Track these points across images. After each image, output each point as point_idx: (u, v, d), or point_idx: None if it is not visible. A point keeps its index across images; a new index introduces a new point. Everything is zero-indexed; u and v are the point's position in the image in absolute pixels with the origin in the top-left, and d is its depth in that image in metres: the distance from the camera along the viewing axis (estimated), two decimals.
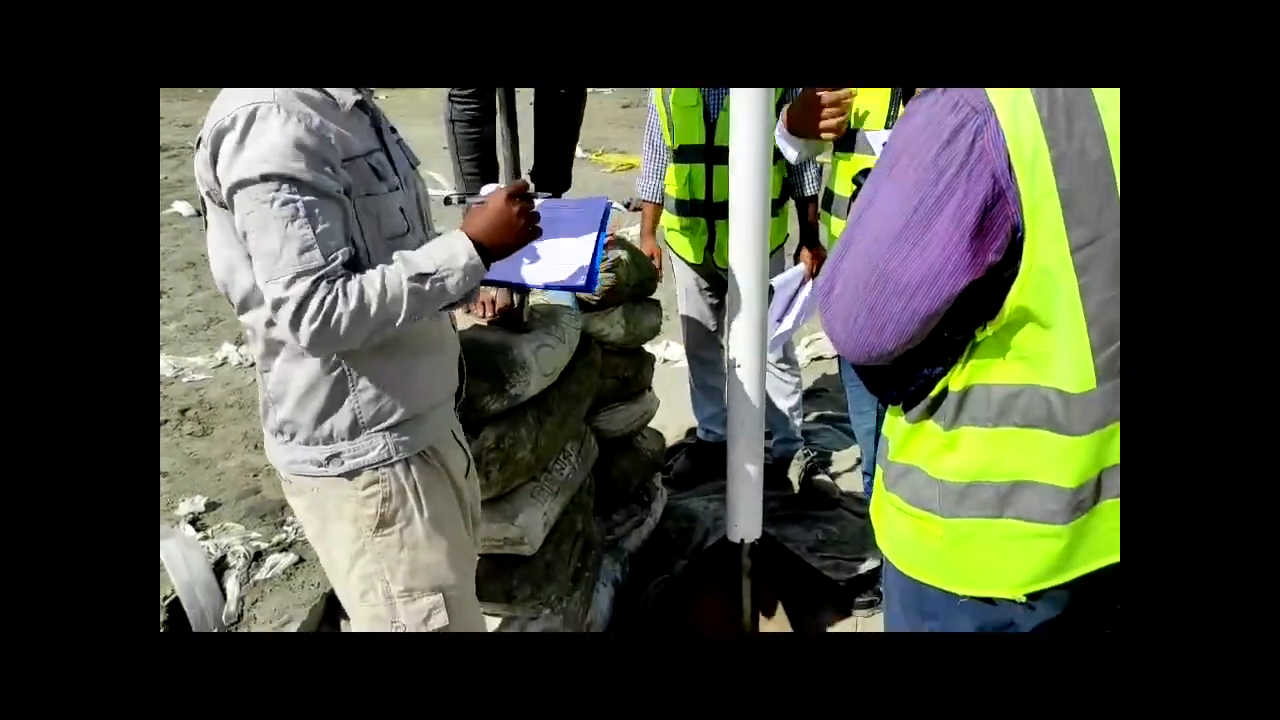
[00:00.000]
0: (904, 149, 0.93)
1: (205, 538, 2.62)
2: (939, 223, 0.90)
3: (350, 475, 1.31)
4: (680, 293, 2.88)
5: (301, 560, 2.60)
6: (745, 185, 1.76)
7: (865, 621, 2.27)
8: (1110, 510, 0.99)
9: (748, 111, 1.70)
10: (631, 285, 2.20)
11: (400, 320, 1.21)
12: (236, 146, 1.13)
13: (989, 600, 1.07)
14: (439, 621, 1.41)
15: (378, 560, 1.36)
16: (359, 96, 1.26)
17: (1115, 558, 0.99)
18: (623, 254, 2.20)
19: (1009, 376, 0.97)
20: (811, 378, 3.76)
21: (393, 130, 1.38)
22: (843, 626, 2.24)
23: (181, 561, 2.41)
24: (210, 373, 3.88)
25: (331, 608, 2.36)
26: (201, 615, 2.39)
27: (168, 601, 2.39)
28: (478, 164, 2.06)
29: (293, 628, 2.22)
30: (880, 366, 1.05)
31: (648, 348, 2.52)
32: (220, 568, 2.50)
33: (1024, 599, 1.04)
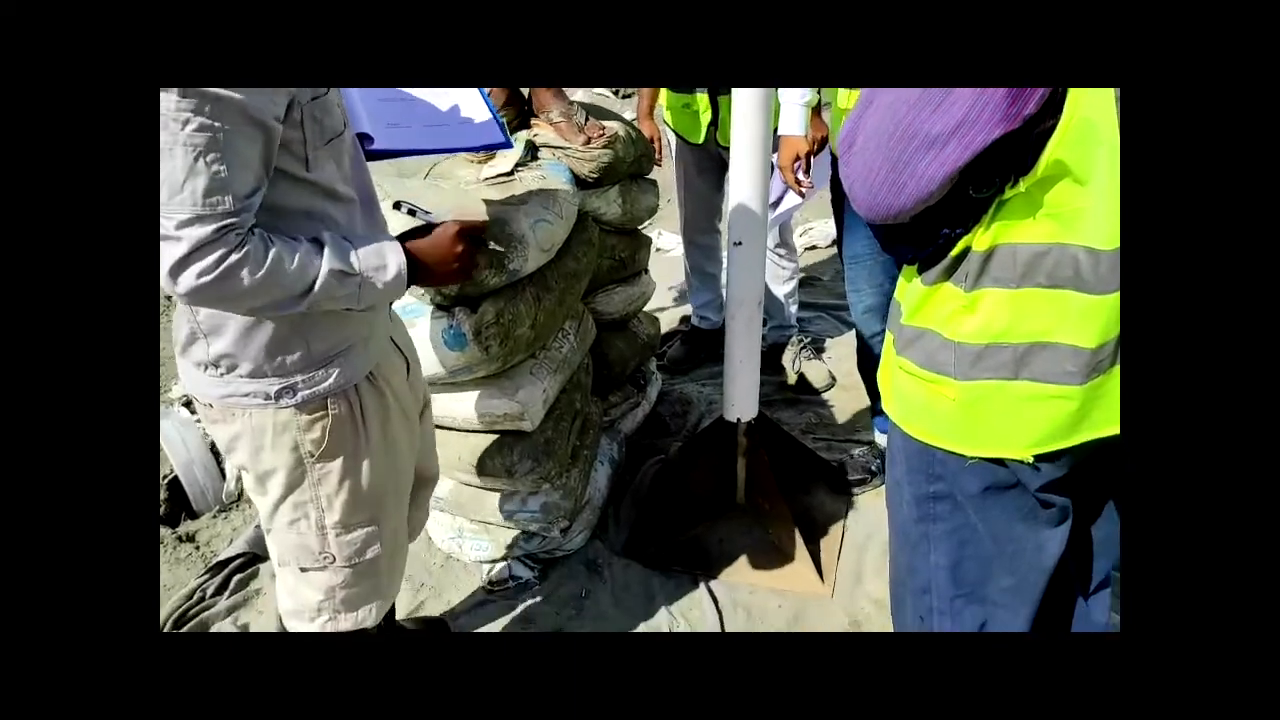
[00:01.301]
0: None
1: (199, 420, 2.61)
2: None
3: (300, 406, 1.23)
4: (678, 176, 2.81)
5: None
6: None
7: (858, 499, 2.32)
8: None
9: None
10: (629, 163, 2.14)
11: (295, 307, 1.12)
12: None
13: (998, 461, 1.08)
14: (373, 553, 1.37)
15: (315, 488, 1.29)
16: None
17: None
18: (620, 130, 2.13)
19: (1037, 235, 0.95)
20: (804, 265, 3.73)
21: None
22: (834, 505, 2.30)
23: (180, 441, 2.42)
24: None
25: None
26: (201, 494, 2.41)
27: (167, 480, 2.41)
28: None
29: None
30: (898, 225, 1.02)
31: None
32: (217, 449, 2.50)
33: (1031, 460, 1.06)
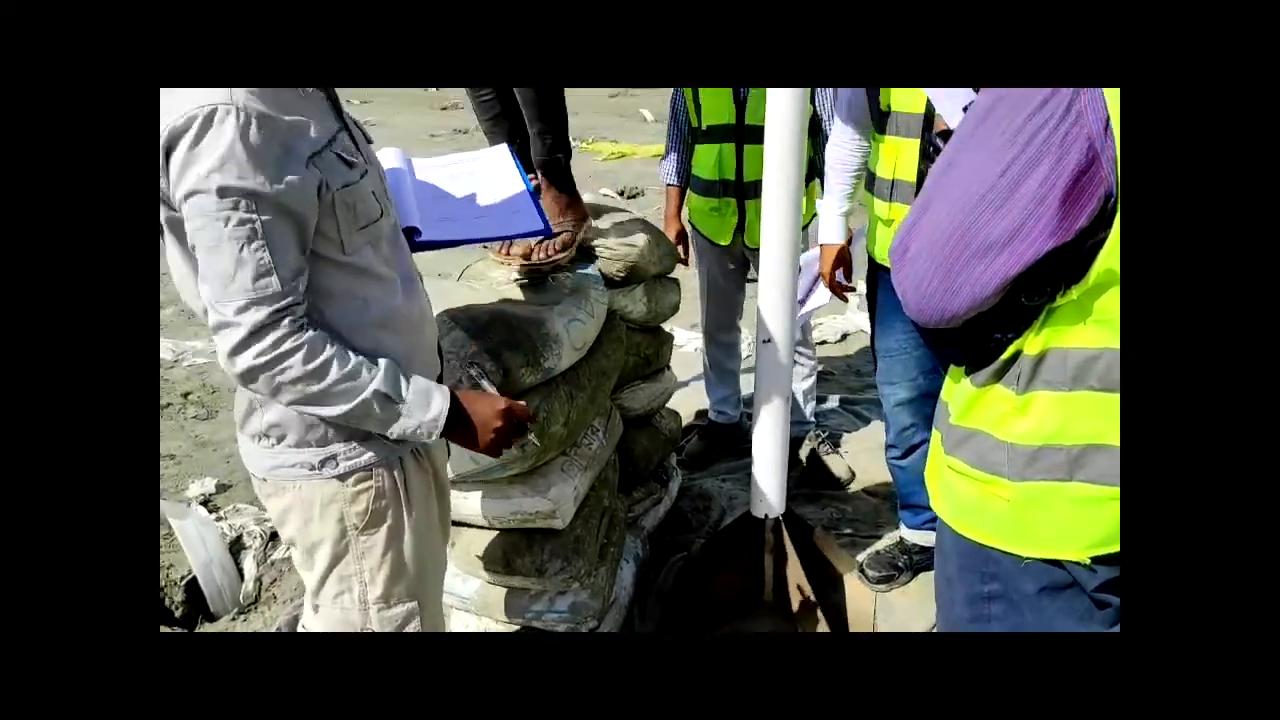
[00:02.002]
0: (990, 111, 0.91)
1: (219, 519, 2.60)
2: (1026, 185, 0.88)
3: (343, 477, 1.27)
4: (702, 275, 2.88)
5: None
6: (779, 162, 1.77)
7: (884, 597, 2.30)
8: None
9: (783, 90, 1.71)
10: (654, 262, 2.20)
11: (334, 410, 1.16)
12: (189, 153, 1.03)
13: (1055, 562, 1.08)
14: (412, 628, 1.38)
15: (359, 560, 1.32)
16: None
17: None
18: (644, 232, 2.20)
19: (1088, 340, 0.96)
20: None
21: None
22: (861, 602, 2.27)
23: (199, 541, 2.40)
24: (211, 356, 3.85)
25: None
26: (219, 594, 2.38)
27: (185, 581, 2.37)
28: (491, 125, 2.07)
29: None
30: (947, 329, 1.05)
31: None
32: (236, 548, 2.48)
33: (1089, 561, 1.06)
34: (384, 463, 1.29)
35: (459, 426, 1.27)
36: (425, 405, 1.22)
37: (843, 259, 2.29)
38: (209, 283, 1.08)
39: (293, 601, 2.30)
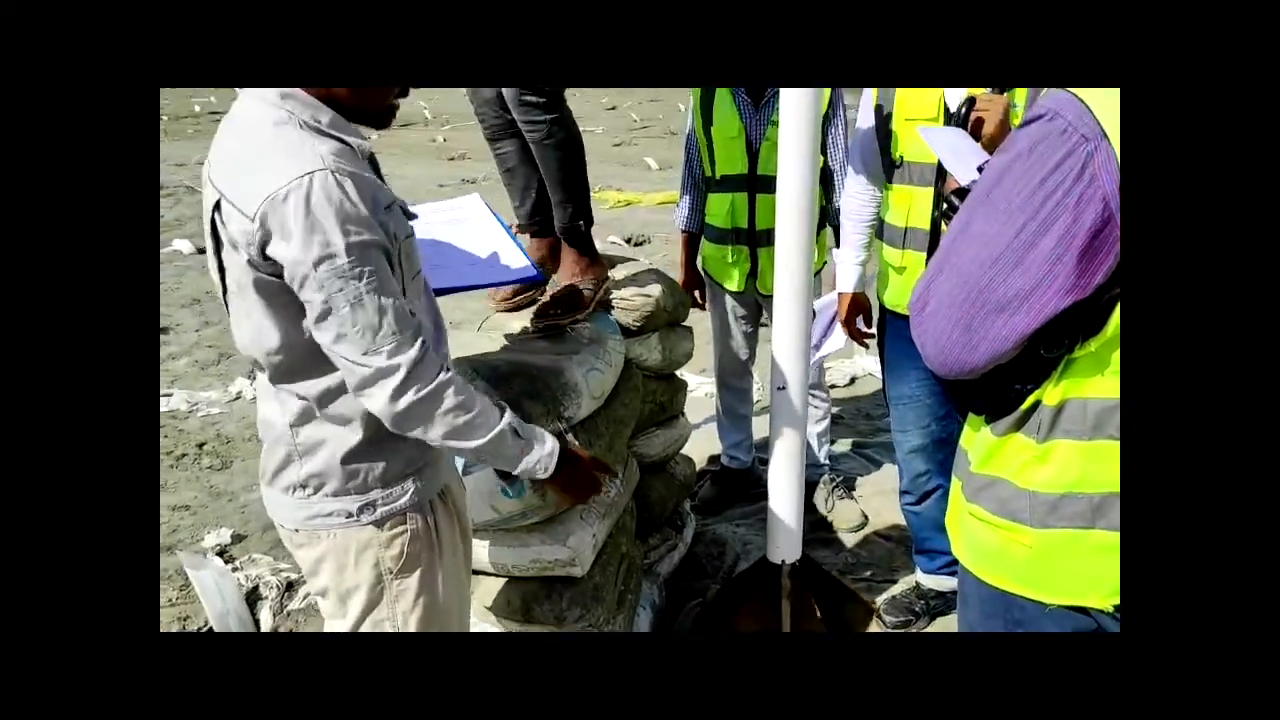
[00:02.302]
0: (1006, 172, 0.95)
1: (235, 569, 2.61)
2: (1043, 243, 0.91)
3: (379, 523, 1.31)
4: (715, 322, 2.92)
5: None
6: (791, 208, 1.81)
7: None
8: None
9: (795, 138, 1.76)
10: (669, 310, 2.24)
11: (473, 444, 1.25)
12: (306, 220, 1.08)
13: (1078, 608, 1.09)
14: None
15: (393, 605, 1.35)
16: (367, 142, 1.24)
17: None
18: (658, 282, 2.24)
19: (1106, 390, 0.98)
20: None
21: None
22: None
23: (215, 592, 2.40)
24: (225, 407, 3.88)
25: None
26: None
27: (203, 632, 2.37)
28: (509, 177, 2.15)
29: None
30: (971, 382, 1.07)
31: None
32: (253, 598, 2.49)
33: (1113, 609, 1.07)
34: (417, 508, 1.33)
35: (565, 466, 1.38)
36: (542, 441, 1.35)
37: (861, 306, 2.34)
38: (351, 342, 1.14)
39: None
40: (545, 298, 1.98)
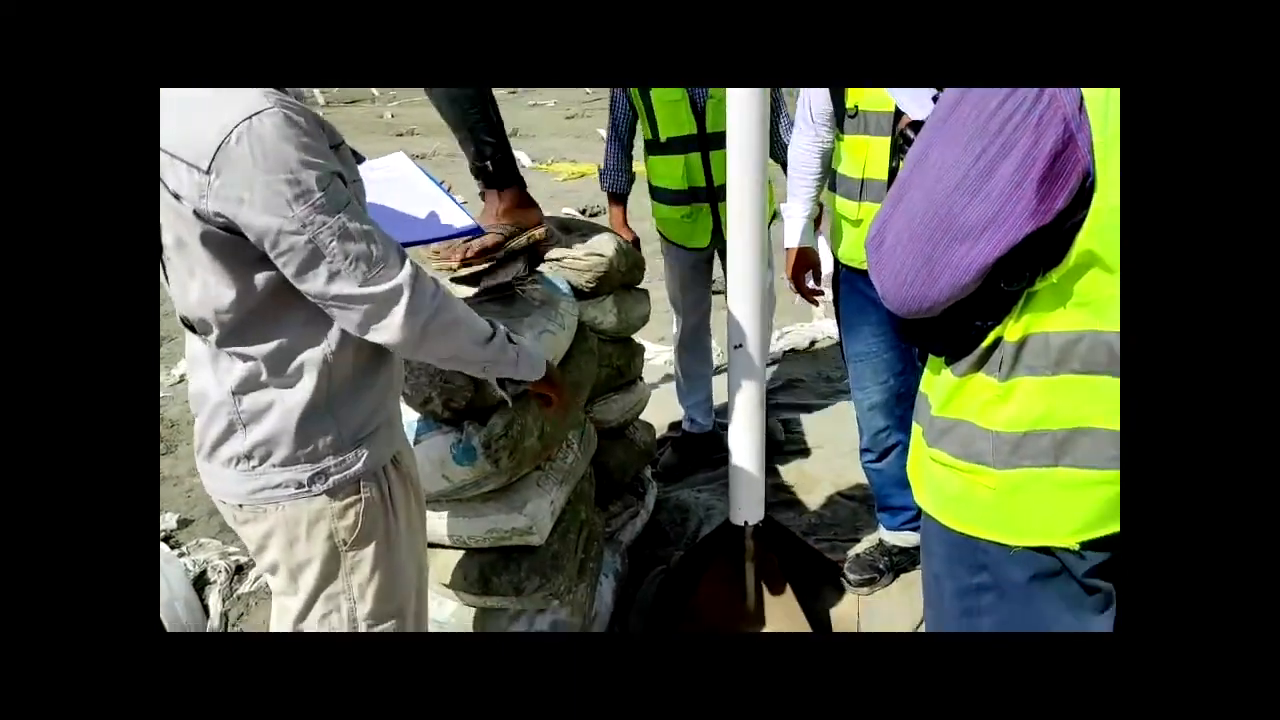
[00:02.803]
0: (962, 98, 0.90)
1: (182, 554, 2.51)
2: (1003, 169, 0.87)
3: (332, 492, 1.24)
4: (673, 283, 2.87)
5: None
6: (742, 166, 1.76)
7: (866, 600, 2.28)
8: None
9: (743, 97, 1.69)
10: (622, 272, 2.18)
11: (482, 353, 1.25)
12: (266, 163, 1.01)
13: (1043, 549, 1.07)
14: None
15: (348, 577, 1.29)
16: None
17: None
18: (612, 242, 2.18)
19: (1069, 324, 0.96)
20: (787, 368, 3.78)
21: None
22: (844, 606, 2.25)
23: (161, 578, 2.31)
24: (168, 390, 3.75)
25: None
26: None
27: None
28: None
29: None
30: (925, 320, 1.04)
31: None
32: (200, 583, 2.40)
33: (1078, 547, 1.05)
34: (371, 475, 1.27)
35: (546, 375, 1.41)
36: (530, 345, 1.36)
37: (809, 261, 2.26)
38: (346, 277, 1.08)
39: None
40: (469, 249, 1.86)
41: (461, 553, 1.90)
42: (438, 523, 1.91)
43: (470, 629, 1.96)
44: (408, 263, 1.13)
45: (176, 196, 1.06)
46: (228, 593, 2.40)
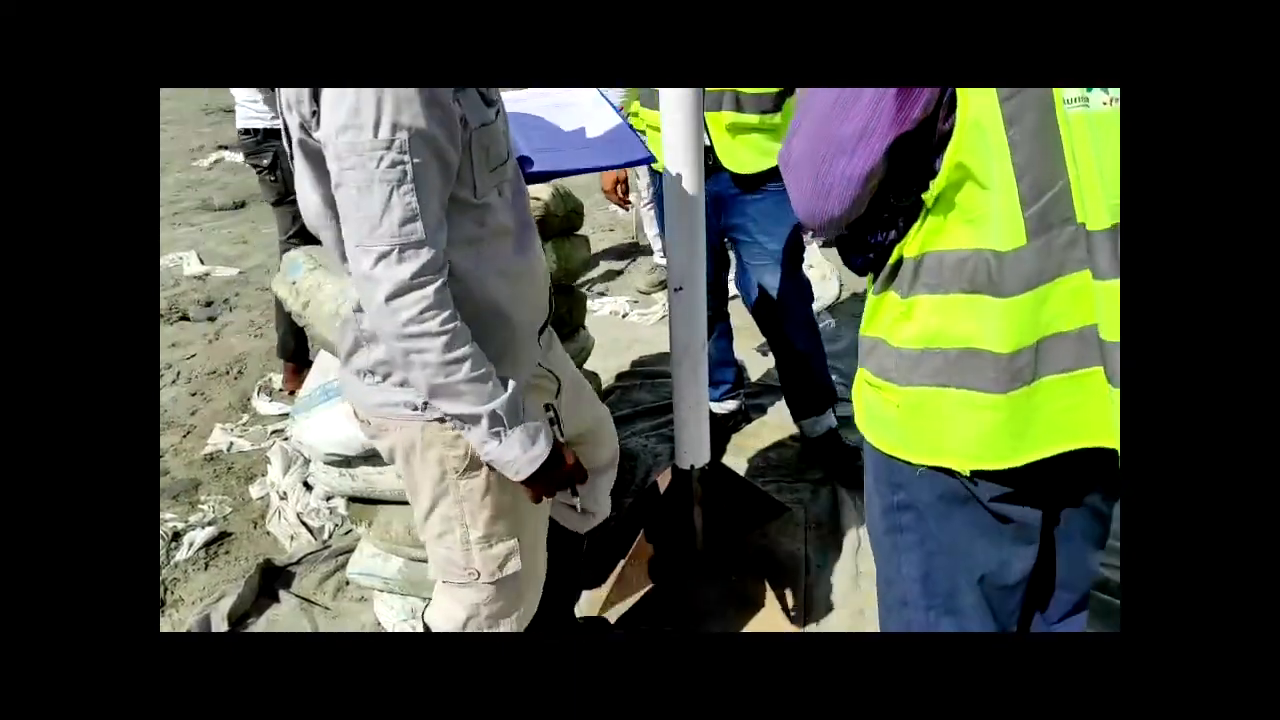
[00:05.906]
0: None
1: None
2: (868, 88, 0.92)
3: (443, 420, 1.24)
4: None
5: (225, 535, 2.46)
6: (676, 102, 1.73)
7: (814, 540, 2.31)
8: (1054, 388, 0.97)
9: None
10: (560, 218, 2.14)
11: (438, 403, 1.16)
12: (343, 89, 1.01)
13: (948, 471, 1.07)
14: (513, 567, 1.39)
15: (460, 503, 1.32)
16: None
17: (1065, 444, 0.99)
18: (547, 189, 2.14)
19: (958, 242, 0.98)
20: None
21: None
22: (793, 544, 2.28)
23: None
24: None
25: (267, 579, 2.24)
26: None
27: None
28: None
29: (226, 603, 2.10)
30: (844, 236, 1.09)
31: None
32: None
33: (968, 474, 1.05)
34: None
35: (544, 464, 1.24)
36: (528, 444, 1.21)
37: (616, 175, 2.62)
38: (352, 223, 1.07)
39: (201, 602, 2.18)
40: None
41: (407, 508, 1.87)
42: (379, 479, 1.88)
43: (418, 585, 1.94)
44: (412, 268, 1.06)
45: (289, 107, 1.12)
46: (165, 560, 2.34)
